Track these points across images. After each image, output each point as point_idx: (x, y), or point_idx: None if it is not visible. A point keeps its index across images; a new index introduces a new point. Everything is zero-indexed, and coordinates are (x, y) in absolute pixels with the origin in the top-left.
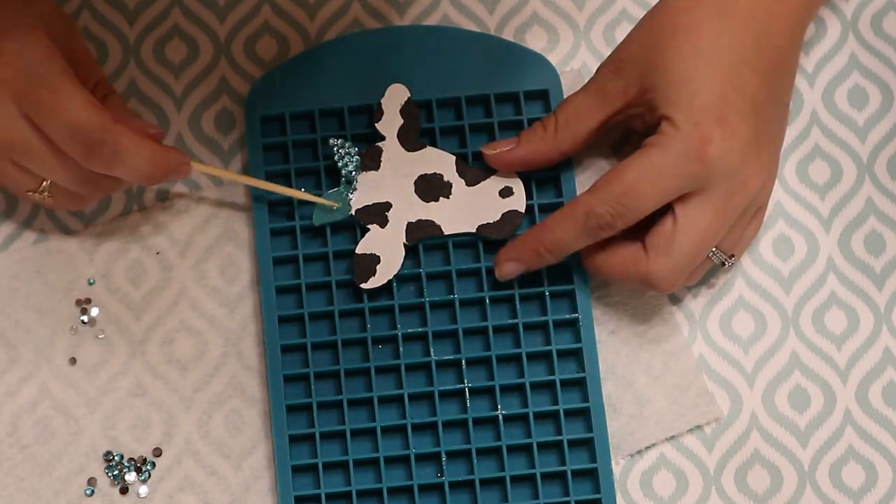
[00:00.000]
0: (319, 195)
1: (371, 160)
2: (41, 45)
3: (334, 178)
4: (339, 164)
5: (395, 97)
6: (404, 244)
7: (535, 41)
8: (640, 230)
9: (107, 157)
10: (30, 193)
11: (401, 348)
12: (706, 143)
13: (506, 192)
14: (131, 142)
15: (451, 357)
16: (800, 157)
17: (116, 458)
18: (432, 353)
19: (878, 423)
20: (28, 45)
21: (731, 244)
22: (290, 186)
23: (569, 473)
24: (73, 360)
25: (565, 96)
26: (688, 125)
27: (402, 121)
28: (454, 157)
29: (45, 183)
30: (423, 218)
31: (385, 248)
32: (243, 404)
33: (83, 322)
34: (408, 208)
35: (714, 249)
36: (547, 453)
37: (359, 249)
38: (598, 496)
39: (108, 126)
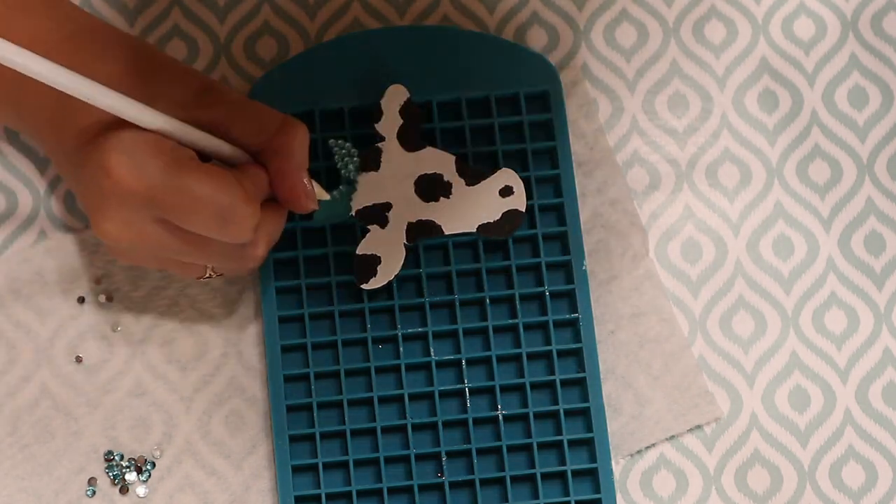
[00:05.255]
0: (327, 191)
1: (371, 160)
2: (148, 143)
3: (334, 178)
4: (339, 165)
5: (394, 98)
6: (405, 244)
7: (535, 41)
8: None
9: (248, 231)
10: (200, 279)
11: (401, 348)
12: None
13: (506, 192)
14: (267, 212)
15: (451, 357)
16: (800, 157)
17: (116, 458)
18: (432, 353)
19: (878, 423)
20: (136, 149)
21: None
22: None
23: (569, 473)
24: (79, 359)
25: (565, 96)
26: None
27: (401, 121)
28: (454, 157)
29: (208, 266)
30: (424, 218)
31: (385, 248)
32: (243, 404)
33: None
34: (408, 208)
35: None
36: (547, 453)
37: (359, 250)
38: (598, 496)
39: (240, 204)
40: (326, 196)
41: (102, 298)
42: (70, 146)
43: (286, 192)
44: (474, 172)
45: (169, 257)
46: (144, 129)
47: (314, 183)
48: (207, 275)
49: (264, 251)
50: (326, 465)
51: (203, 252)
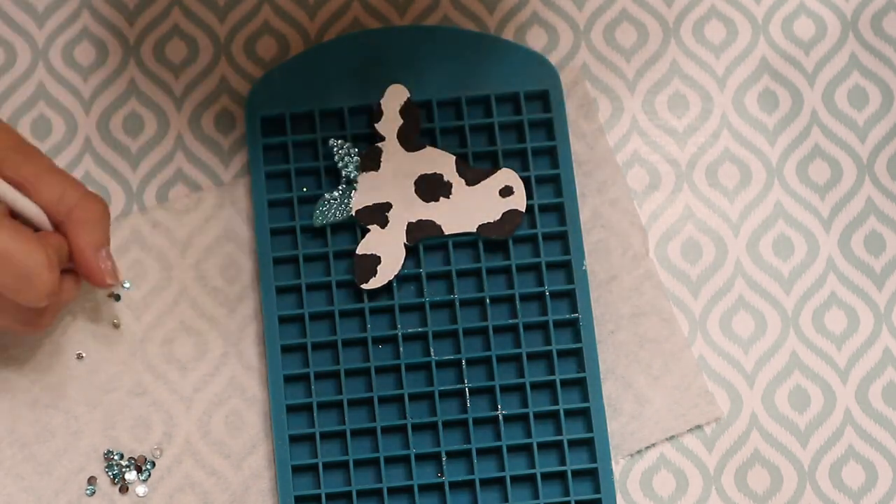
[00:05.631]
0: (320, 195)
1: (371, 160)
2: None
3: (334, 178)
4: (339, 165)
5: (394, 97)
6: (405, 244)
7: (535, 41)
8: None
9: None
10: None
11: (401, 348)
12: None
13: (506, 192)
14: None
15: (451, 357)
16: (800, 157)
17: (116, 457)
18: (432, 353)
19: (878, 423)
20: None
21: None
22: (291, 187)
23: (569, 473)
24: (79, 356)
25: (565, 96)
26: None
27: (401, 121)
28: (454, 157)
29: None
30: (424, 218)
31: (385, 248)
32: (243, 404)
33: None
34: (408, 208)
35: None
36: (547, 453)
37: (359, 250)
38: (598, 496)
39: (42, 271)
40: (121, 277)
41: (112, 297)
42: None
43: (81, 267)
44: (474, 172)
45: None
46: None
47: (112, 262)
48: None
49: (51, 320)
50: (326, 465)
51: None
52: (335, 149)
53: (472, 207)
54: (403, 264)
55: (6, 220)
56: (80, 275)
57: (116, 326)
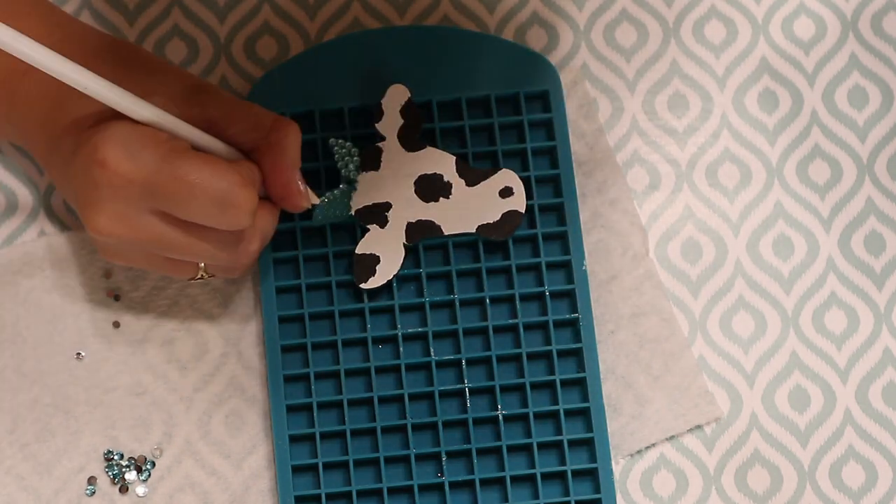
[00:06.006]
0: (320, 195)
1: (371, 160)
2: (142, 134)
3: (334, 178)
4: (339, 165)
5: (395, 97)
6: (404, 244)
7: (535, 41)
8: None
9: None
10: (191, 280)
11: (401, 348)
12: None
13: (506, 193)
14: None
15: (451, 357)
16: (800, 157)
17: (116, 457)
18: (432, 353)
19: (878, 423)
20: (131, 139)
21: None
22: None
23: (569, 473)
24: (79, 355)
25: (565, 96)
26: None
27: (402, 121)
28: (454, 158)
29: (200, 266)
30: (423, 218)
31: (385, 248)
32: (243, 404)
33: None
34: (408, 208)
35: None
36: (547, 453)
37: (359, 250)
38: (598, 496)
39: (238, 189)
40: (316, 200)
41: (112, 297)
42: (62, 141)
43: (280, 188)
44: (474, 173)
45: (161, 255)
46: (138, 122)
47: (307, 184)
48: (199, 276)
49: (258, 247)
50: (326, 465)
51: (199, 244)
52: (335, 149)
53: (472, 208)
54: (403, 264)
55: (190, 152)
56: (274, 200)
57: (116, 326)
